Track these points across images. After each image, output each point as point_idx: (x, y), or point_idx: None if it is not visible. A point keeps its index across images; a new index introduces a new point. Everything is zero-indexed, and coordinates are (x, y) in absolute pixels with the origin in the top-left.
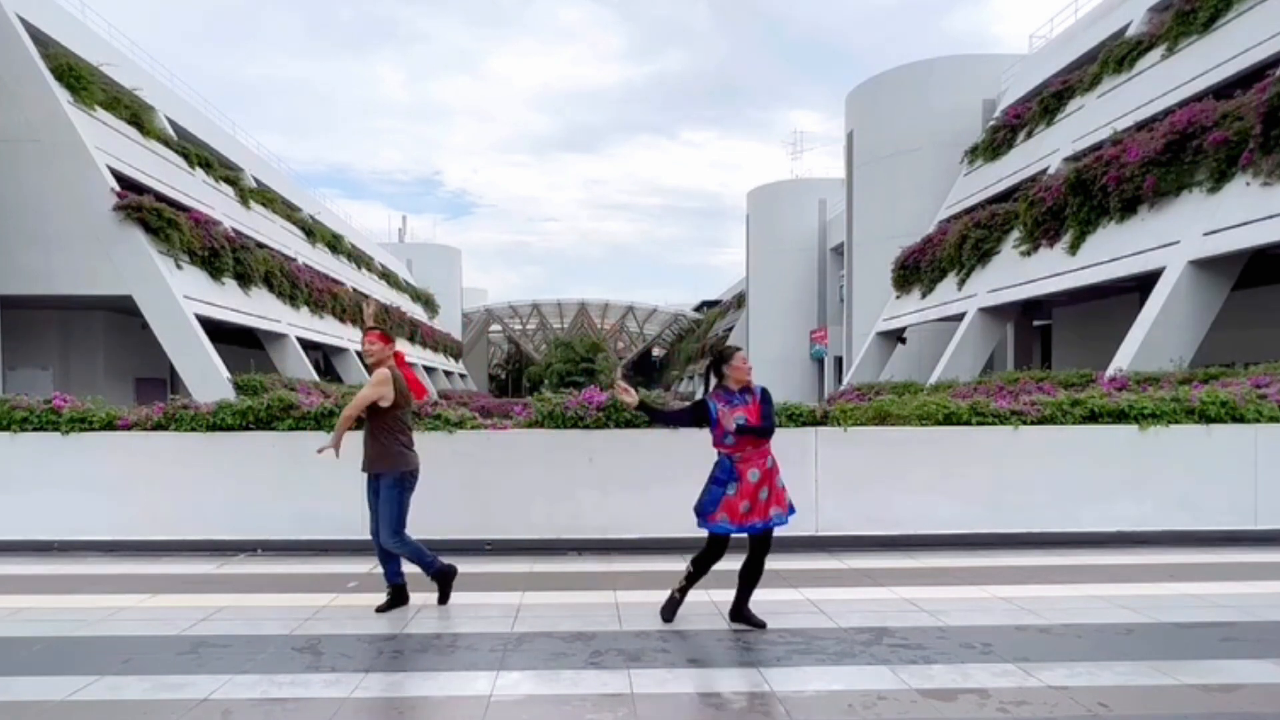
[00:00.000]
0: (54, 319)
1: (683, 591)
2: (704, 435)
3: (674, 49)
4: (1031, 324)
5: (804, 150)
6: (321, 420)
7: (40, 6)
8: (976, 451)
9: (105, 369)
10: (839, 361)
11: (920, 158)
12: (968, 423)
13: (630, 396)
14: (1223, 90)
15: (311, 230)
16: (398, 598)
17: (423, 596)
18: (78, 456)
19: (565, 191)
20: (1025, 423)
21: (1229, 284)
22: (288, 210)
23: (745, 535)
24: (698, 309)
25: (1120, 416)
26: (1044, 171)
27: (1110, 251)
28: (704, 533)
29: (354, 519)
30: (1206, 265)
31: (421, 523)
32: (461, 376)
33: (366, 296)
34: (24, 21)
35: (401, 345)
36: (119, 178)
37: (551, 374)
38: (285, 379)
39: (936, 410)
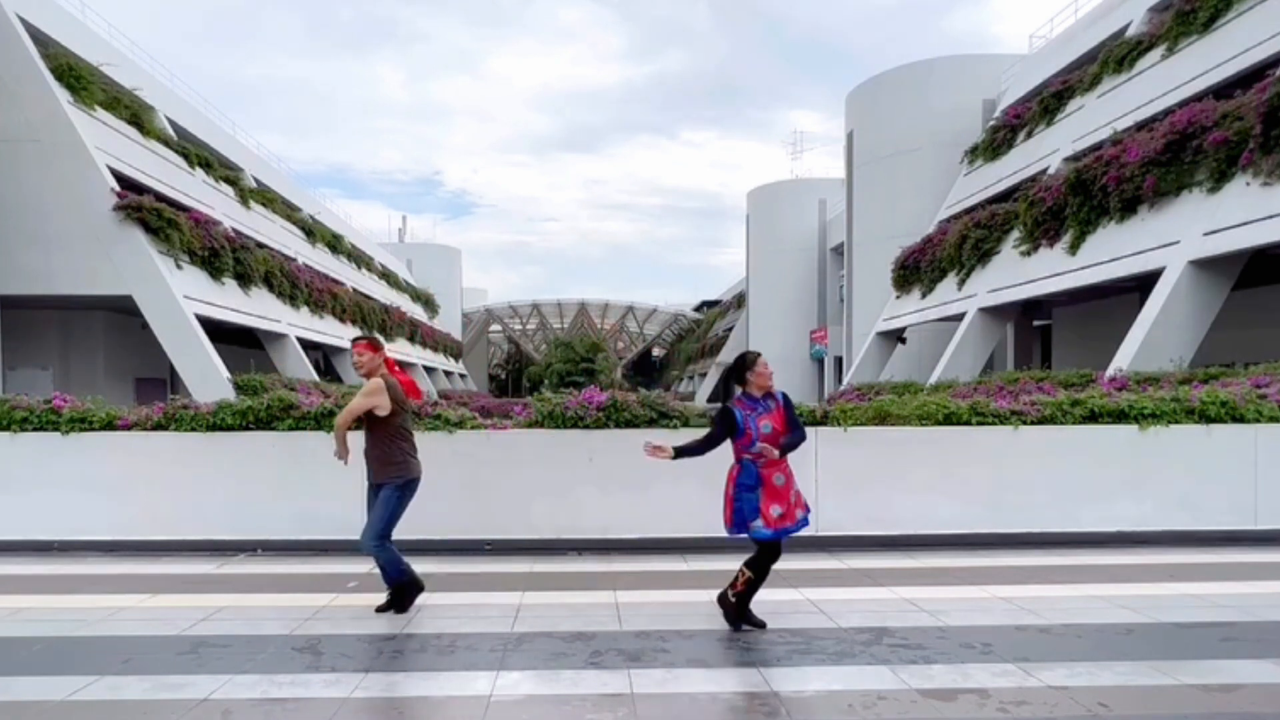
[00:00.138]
0: (54, 319)
1: (740, 598)
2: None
3: (674, 49)
4: (1031, 324)
5: (804, 150)
6: (321, 420)
7: (40, 6)
8: (976, 451)
9: (105, 369)
10: (839, 361)
11: (920, 158)
12: (968, 423)
13: (664, 451)
14: (1223, 90)
15: (311, 230)
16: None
17: (422, 597)
18: (78, 456)
19: (565, 191)
20: (1025, 423)
21: (1229, 284)
22: (288, 210)
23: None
24: (698, 309)
25: (1120, 416)
26: (1044, 171)
27: (1110, 251)
28: (706, 533)
29: (354, 519)
30: (1206, 265)
31: (421, 523)
32: (461, 376)
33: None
34: (24, 21)
35: (402, 345)
36: (119, 178)
37: (551, 374)
38: (285, 379)
39: (936, 410)
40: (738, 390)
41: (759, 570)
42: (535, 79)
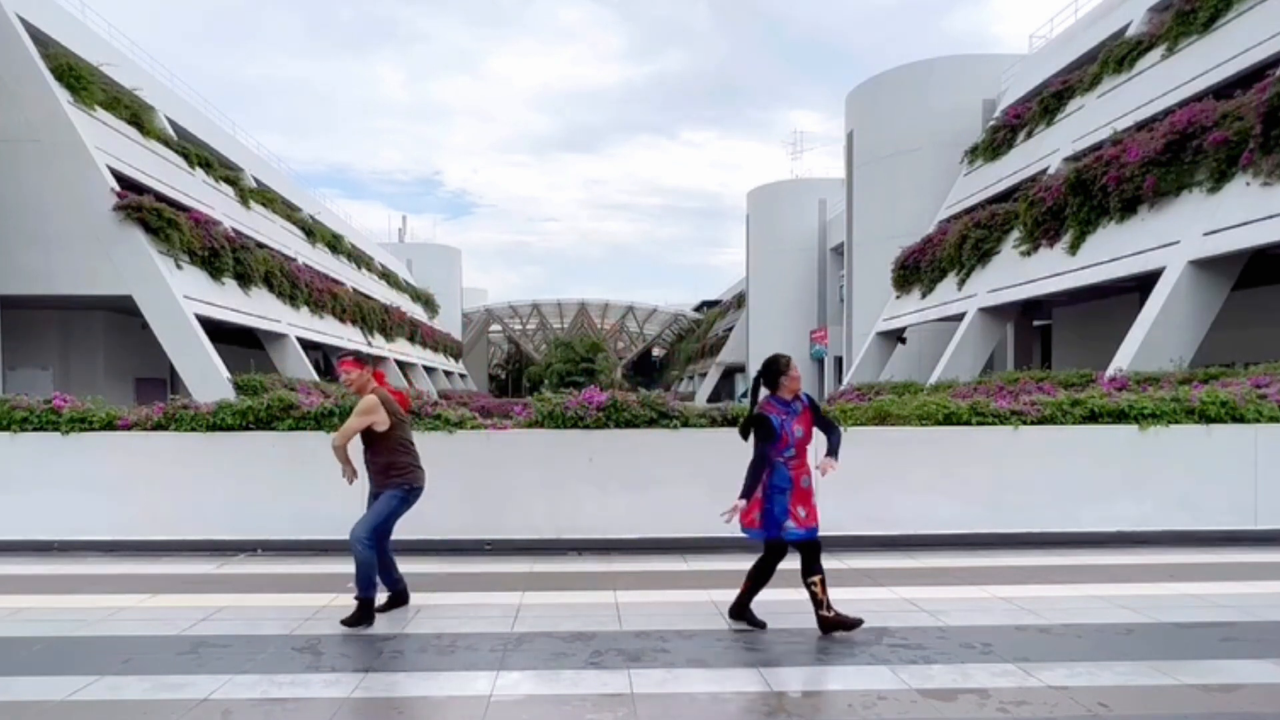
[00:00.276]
0: (54, 319)
1: (748, 597)
2: (704, 435)
3: (674, 49)
4: (1031, 324)
5: (804, 150)
6: (321, 420)
7: (40, 6)
8: (976, 451)
9: (105, 369)
10: (839, 361)
11: (920, 158)
12: (968, 423)
13: (741, 503)
14: (1223, 90)
15: (311, 230)
16: (397, 599)
17: (422, 597)
18: (78, 456)
19: (565, 191)
20: (1025, 423)
21: (1229, 284)
22: (288, 210)
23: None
24: (698, 309)
25: (1120, 416)
26: (1044, 171)
27: (1110, 251)
28: (706, 533)
29: (354, 519)
30: (1206, 265)
31: (422, 523)
32: (461, 376)
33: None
34: (24, 21)
35: (402, 345)
36: (119, 178)
37: (551, 374)
38: (285, 379)
39: (936, 410)
40: (764, 393)
41: (766, 573)
42: (535, 79)
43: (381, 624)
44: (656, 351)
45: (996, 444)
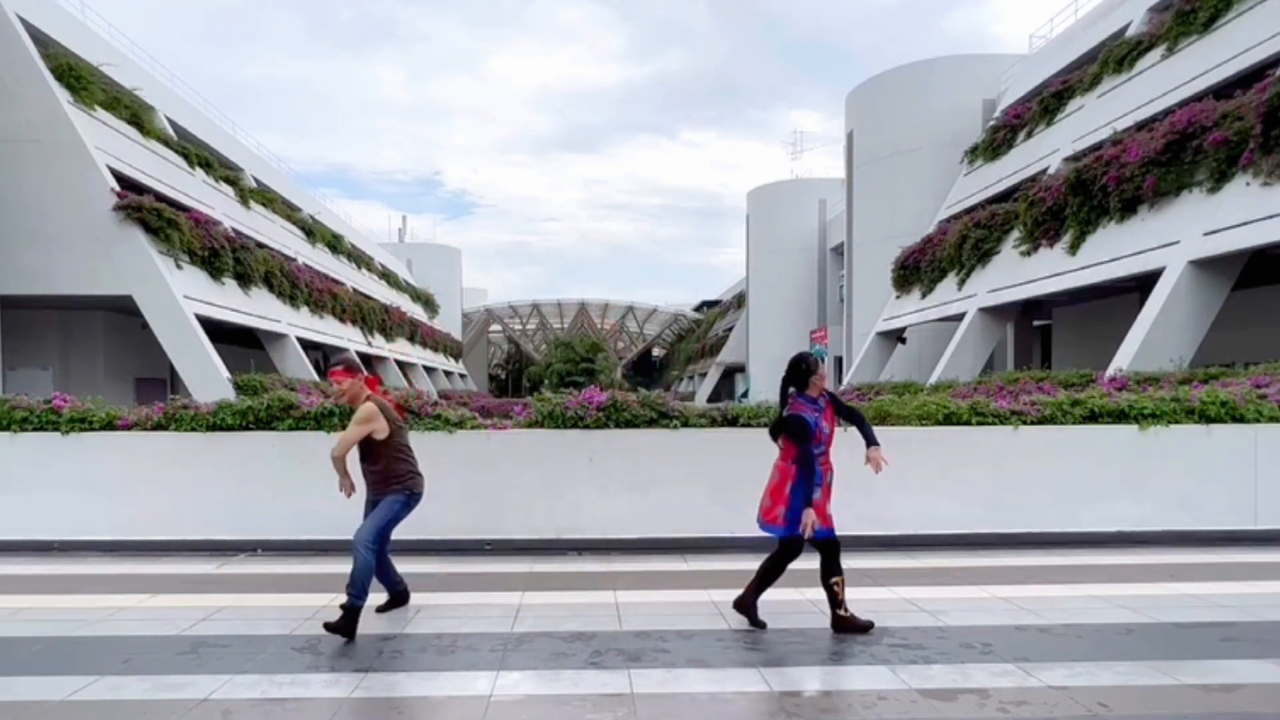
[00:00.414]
0: (54, 319)
1: (755, 593)
2: (704, 435)
3: (674, 49)
4: (1031, 324)
5: (804, 150)
6: (321, 420)
7: (40, 6)
8: (976, 451)
9: (105, 369)
10: (839, 361)
11: (920, 158)
12: (968, 423)
13: (810, 514)
14: (1223, 90)
15: (311, 230)
16: (397, 599)
17: (422, 597)
18: (78, 456)
19: (565, 191)
20: (1025, 423)
21: (1229, 284)
22: (288, 210)
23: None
24: (698, 309)
25: (1120, 416)
26: (1044, 171)
27: (1110, 251)
28: (706, 533)
29: (353, 519)
30: (1206, 265)
31: (422, 523)
32: (461, 376)
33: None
34: (24, 21)
35: (402, 345)
36: (119, 178)
37: (551, 374)
38: (285, 379)
39: (936, 410)
40: (791, 391)
41: (778, 571)
42: (535, 79)
43: (381, 624)
44: (656, 351)
45: (996, 444)
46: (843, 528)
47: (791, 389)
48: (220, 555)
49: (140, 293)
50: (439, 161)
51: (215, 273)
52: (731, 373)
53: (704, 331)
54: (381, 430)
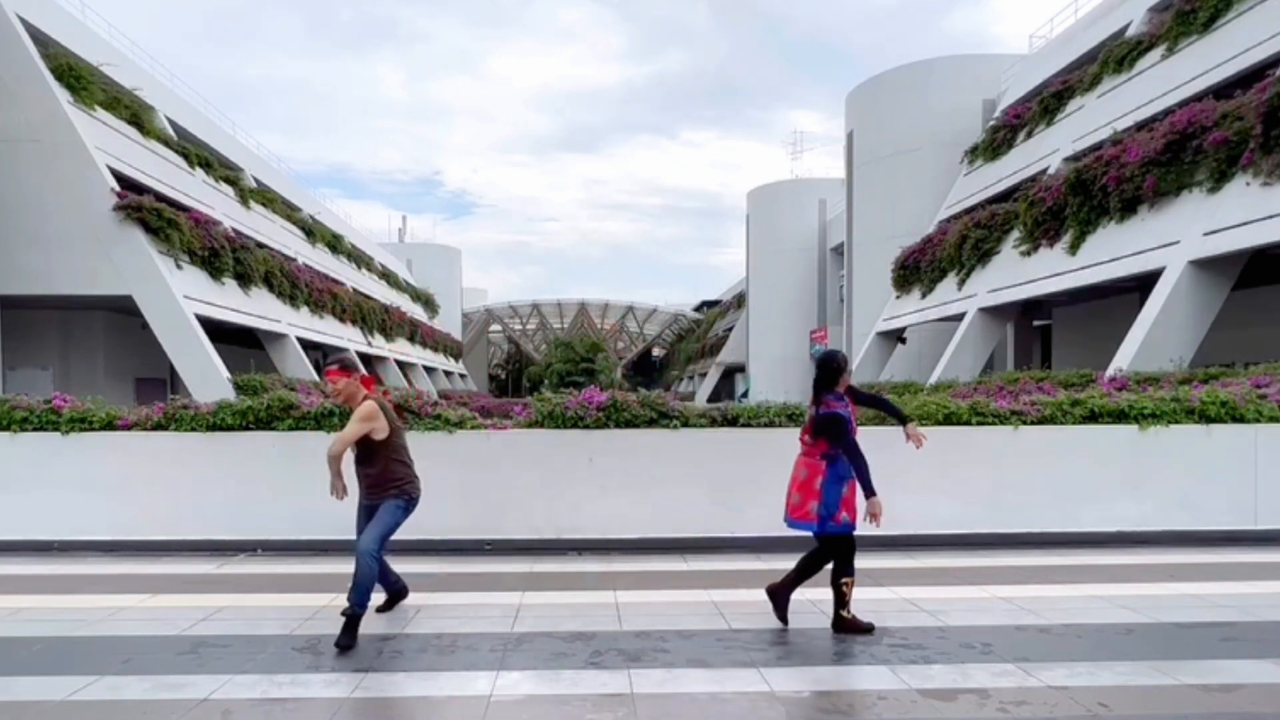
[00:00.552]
0: (54, 319)
1: (791, 587)
2: (704, 435)
3: (674, 49)
4: (1031, 324)
5: (804, 150)
6: (321, 420)
7: (40, 6)
8: (976, 451)
9: (105, 369)
10: None
11: (920, 158)
12: (968, 423)
13: (877, 501)
14: (1223, 90)
15: (311, 230)
16: (397, 596)
17: (423, 597)
18: (78, 456)
19: (565, 191)
20: (1025, 423)
21: (1229, 284)
22: (288, 210)
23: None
24: (698, 309)
25: (1120, 416)
26: (1044, 171)
27: (1110, 251)
28: (706, 533)
29: (354, 520)
30: (1206, 265)
31: (422, 523)
32: (461, 376)
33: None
34: (24, 21)
35: (402, 345)
36: (119, 178)
37: (551, 374)
38: (285, 379)
39: (936, 410)
40: (819, 389)
41: (816, 567)
42: (535, 79)
43: (381, 624)
44: (656, 351)
45: (996, 444)
46: None
47: (825, 386)
48: (220, 555)
49: (140, 293)
50: (439, 161)
51: (215, 273)
52: (731, 373)
53: (704, 331)
54: (381, 430)
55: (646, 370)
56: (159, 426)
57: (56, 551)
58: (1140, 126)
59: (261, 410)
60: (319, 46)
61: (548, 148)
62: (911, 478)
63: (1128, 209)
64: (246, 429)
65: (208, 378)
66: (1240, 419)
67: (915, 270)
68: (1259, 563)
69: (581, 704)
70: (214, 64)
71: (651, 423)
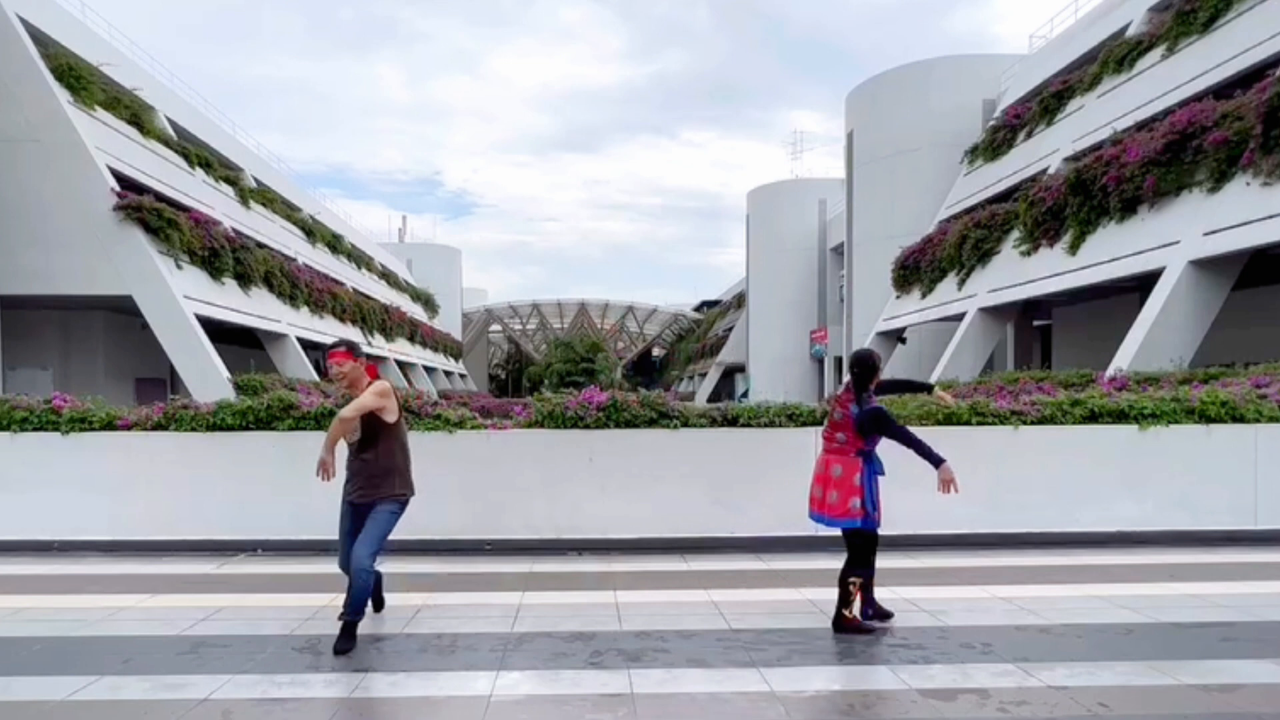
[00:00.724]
0: (54, 319)
1: (866, 594)
2: (704, 435)
3: (674, 49)
4: (1031, 324)
5: (804, 150)
6: (321, 420)
7: (40, 6)
8: (976, 451)
9: (105, 369)
10: (839, 361)
11: (920, 158)
12: (968, 423)
13: (948, 469)
14: (1223, 90)
15: (311, 230)
16: (378, 603)
17: (422, 597)
18: (78, 456)
19: (565, 191)
20: (1025, 423)
21: (1229, 284)
22: (288, 210)
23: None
24: (698, 309)
25: (1120, 416)
26: (1044, 171)
27: (1110, 251)
28: (706, 533)
29: None
30: (1206, 265)
31: (422, 523)
32: (461, 376)
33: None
34: (24, 21)
35: (402, 345)
36: (119, 178)
37: (551, 374)
38: (285, 379)
39: (936, 410)
40: (851, 387)
41: (869, 559)
42: (535, 79)
43: (381, 624)
44: (656, 351)
45: (996, 444)
46: None
47: (860, 385)
48: (220, 555)
49: (140, 293)
50: (439, 161)
51: (215, 273)
52: (731, 373)
53: (704, 331)
54: (392, 412)
55: (646, 370)
56: (159, 426)
57: (56, 551)
58: (1140, 126)
59: (261, 410)
60: (319, 46)
61: (548, 148)
62: (911, 478)
63: (1128, 209)
64: (246, 429)
65: (208, 378)
66: (1240, 419)
67: (915, 270)
68: (1259, 563)
69: (581, 704)
70: (214, 64)
71: (651, 423)
